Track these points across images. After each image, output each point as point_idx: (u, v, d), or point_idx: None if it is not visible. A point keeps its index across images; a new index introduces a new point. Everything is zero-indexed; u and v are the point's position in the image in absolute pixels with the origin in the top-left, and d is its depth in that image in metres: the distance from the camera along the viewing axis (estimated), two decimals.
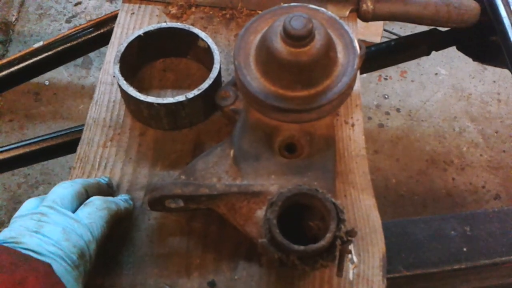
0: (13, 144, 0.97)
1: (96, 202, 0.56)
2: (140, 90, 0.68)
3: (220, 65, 0.70)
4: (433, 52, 1.11)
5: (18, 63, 1.06)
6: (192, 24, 0.80)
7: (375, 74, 1.99)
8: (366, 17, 0.81)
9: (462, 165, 1.81)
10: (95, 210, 0.55)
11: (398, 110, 1.92)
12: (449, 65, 2.01)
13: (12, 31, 1.97)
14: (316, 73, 0.63)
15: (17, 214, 0.52)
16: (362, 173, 0.68)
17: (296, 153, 0.66)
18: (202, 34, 0.72)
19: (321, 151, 0.65)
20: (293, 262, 0.53)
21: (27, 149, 0.95)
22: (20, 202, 1.59)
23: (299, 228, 0.59)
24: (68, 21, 2.02)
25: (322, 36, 0.62)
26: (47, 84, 1.82)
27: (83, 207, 0.55)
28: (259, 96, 0.63)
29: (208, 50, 0.71)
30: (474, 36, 0.97)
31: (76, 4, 2.05)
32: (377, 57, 1.07)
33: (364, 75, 1.99)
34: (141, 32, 0.71)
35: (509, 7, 0.84)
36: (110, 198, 0.59)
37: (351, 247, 0.63)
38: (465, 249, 0.66)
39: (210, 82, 0.67)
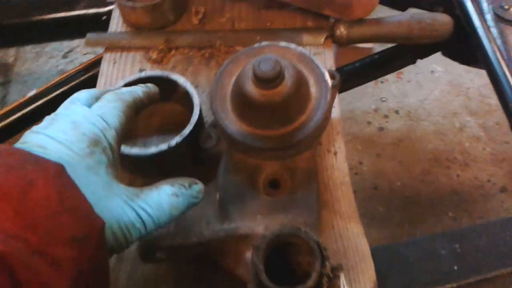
0: None
1: (107, 96, 0.53)
2: (126, 139, 0.70)
3: (201, 107, 0.72)
4: None
5: (14, 114, 1.10)
6: (174, 67, 0.83)
7: None
8: (341, 42, 0.83)
9: (465, 161, 1.81)
10: (107, 103, 0.51)
11: (396, 112, 1.93)
12: (444, 62, 2.01)
13: (11, 72, 2.01)
14: (290, 111, 0.65)
15: None
16: (348, 201, 0.70)
17: (280, 188, 0.68)
18: (180, 80, 0.74)
19: (304, 185, 0.66)
20: None
21: None
22: None
23: (289, 264, 0.61)
24: (64, 57, 2.06)
25: (292, 75, 0.63)
26: None
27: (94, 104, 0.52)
28: (238, 138, 0.65)
29: (188, 94, 0.73)
30: (456, 42, 0.98)
31: None
32: (362, 72, 1.08)
33: None
34: (121, 84, 0.73)
35: (483, 16, 0.85)
36: (125, 89, 0.56)
37: (341, 280, 0.64)
38: (456, 267, 0.67)
39: (191, 127, 0.69)
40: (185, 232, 0.62)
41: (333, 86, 0.69)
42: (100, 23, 1.06)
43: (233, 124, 0.66)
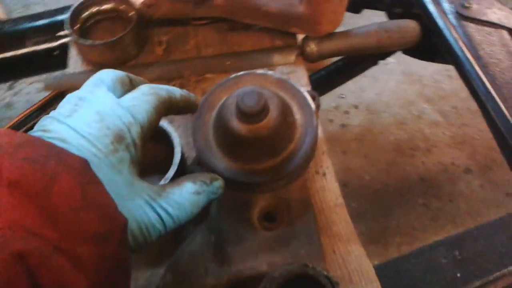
0: None
1: (143, 88, 0.50)
2: None
3: (182, 146, 0.69)
4: None
5: None
6: None
7: None
8: (312, 58, 0.81)
9: (427, 147, 1.85)
10: (140, 95, 0.48)
11: (356, 107, 1.95)
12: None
13: None
14: (278, 142, 0.63)
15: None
16: (344, 222, 0.68)
17: (277, 221, 0.65)
18: None
19: (300, 214, 0.64)
20: None
21: None
22: None
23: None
24: (10, 88, 1.96)
25: (276, 106, 0.61)
26: None
27: (127, 93, 0.49)
28: (226, 175, 0.62)
29: (166, 132, 0.70)
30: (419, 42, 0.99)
31: None
32: (328, 80, 1.08)
33: None
34: None
35: (446, 16, 0.86)
36: (162, 85, 0.53)
37: None
38: (459, 274, 0.68)
39: (175, 168, 0.66)
40: (184, 285, 0.59)
41: (316, 107, 0.68)
42: (52, 58, 1.00)
43: (219, 161, 0.64)
